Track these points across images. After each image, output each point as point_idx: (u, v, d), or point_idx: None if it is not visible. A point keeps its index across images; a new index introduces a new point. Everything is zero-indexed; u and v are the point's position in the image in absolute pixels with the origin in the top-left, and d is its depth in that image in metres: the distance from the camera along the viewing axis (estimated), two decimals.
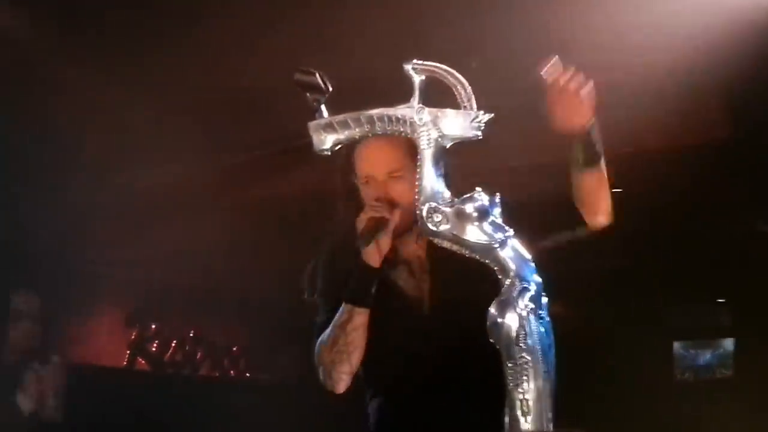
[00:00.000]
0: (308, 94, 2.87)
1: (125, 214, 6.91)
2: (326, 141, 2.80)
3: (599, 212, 3.68)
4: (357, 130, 2.76)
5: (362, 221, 3.42)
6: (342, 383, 3.57)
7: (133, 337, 8.15)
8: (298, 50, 5.73)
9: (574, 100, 3.30)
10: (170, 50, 6.41)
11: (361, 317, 3.48)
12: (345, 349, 3.63)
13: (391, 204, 3.40)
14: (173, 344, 8.26)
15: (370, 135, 2.80)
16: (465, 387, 3.48)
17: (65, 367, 6.20)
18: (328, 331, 3.54)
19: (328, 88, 2.86)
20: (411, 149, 3.18)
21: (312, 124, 2.82)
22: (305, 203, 6.75)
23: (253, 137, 6.75)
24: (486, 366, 3.22)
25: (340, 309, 3.50)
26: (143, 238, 7.14)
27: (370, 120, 2.72)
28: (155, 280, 7.76)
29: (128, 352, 8.13)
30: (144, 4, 6.00)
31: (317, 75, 2.89)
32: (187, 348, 8.36)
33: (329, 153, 2.83)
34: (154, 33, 6.32)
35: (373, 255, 3.39)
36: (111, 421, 6.68)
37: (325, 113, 2.83)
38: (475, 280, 3.14)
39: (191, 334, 8.32)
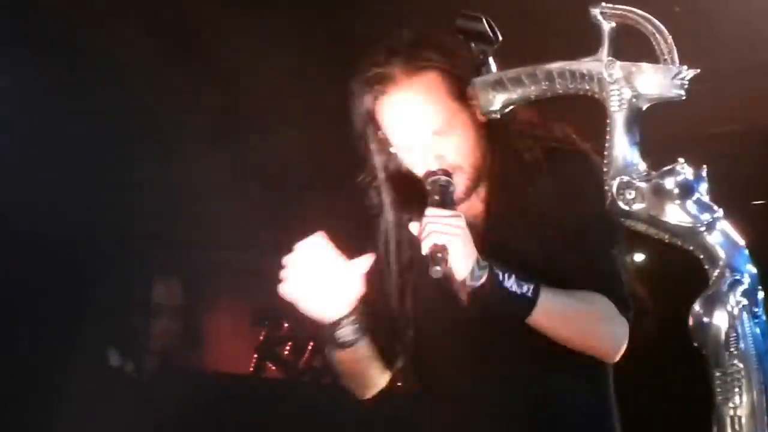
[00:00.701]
0: (473, 44, 2.89)
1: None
2: (495, 101, 2.75)
3: (590, 353, 3.49)
4: (533, 87, 2.71)
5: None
6: (364, 396, 3.97)
7: (261, 338, 8.27)
8: None
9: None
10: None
11: (343, 355, 3.65)
12: (348, 380, 3.90)
13: (448, 169, 3.41)
14: (310, 347, 8.31)
15: (548, 94, 2.78)
16: (508, 393, 3.54)
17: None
18: None
19: (497, 37, 2.87)
20: (451, 91, 3.39)
21: (478, 81, 2.79)
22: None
23: None
24: (534, 367, 3.51)
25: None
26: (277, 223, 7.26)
27: (549, 75, 2.66)
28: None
29: (255, 356, 8.26)
30: None
31: (484, 21, 2.90)
32: (324, 353, 8.36)
33: (498, 116, 2.81)
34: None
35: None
36: None
37: (494, 67, 2.83)
38: (538, 264, 3.39)
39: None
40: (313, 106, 6.90)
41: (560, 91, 2.65)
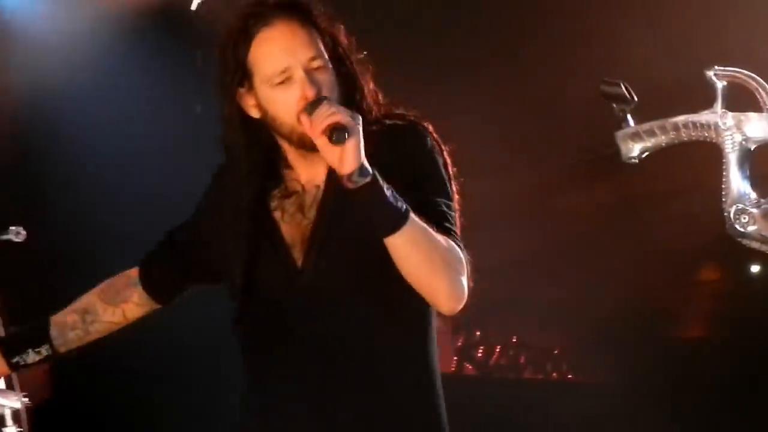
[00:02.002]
0: (614, 105, 2.87)
1: None
2: (633, 149, 2.78)
3: (433, 299, 2.91)
4: (663, 137, 2.73)
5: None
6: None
7: (459, 343, 8.22)
8: (602, 62, 5.74)
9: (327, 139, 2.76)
10: (493, 69, 6.54)
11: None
12: None
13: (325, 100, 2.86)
14: (497, 350, 8.28)
15: (675, 142, 2.76)
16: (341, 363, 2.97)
17: None
18: None
19: (633, 98, 2.84)
20: (321, 35, 2.95)
21: (619, 134, 2.81)
22: (613, 209, 6.73)
23: (565, 148, 6.76)
24: (365, 341, 2.97)
25: None
26: (467, 250, 7.19)
27: (676, 127, 2.70)
28: (479, 289, 7.61)
29: (455, 358, 8.19)
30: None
31: (622, 85, 2.88)
32: (510, 353, 8.37)
33: (637, 161, 2.82)
34: (483, 53, 6.45)
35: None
36: None
37: (632, 122, 2.82)
38: (367, 239, 2.85)
39: (513, 340, 8.34)
40: None
41: (684, 139, 2.68)
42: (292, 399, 2.98)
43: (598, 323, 7.37)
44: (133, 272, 3.28)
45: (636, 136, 2.79)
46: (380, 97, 3.08)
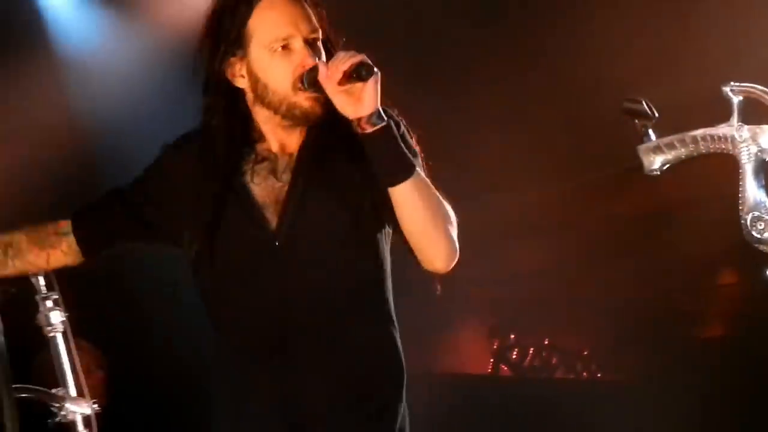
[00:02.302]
0: (636, 121, 2.89)
1: (485, 237, 7.00)
2: (655, 162, 2.80)
3: (432, 252, 2.86)
4: (682, 150, 2.75)
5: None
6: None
7: (495, 346, 8.19)
8: (624, 80, 5.76)
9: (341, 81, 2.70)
10: (516, 87, 6.55)
11: None
12: None
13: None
14: (531, 352, 8.26)
15: (694, 154, 2.78)
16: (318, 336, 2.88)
17: None
18: None
19: (654, 114, 2.86)
20: (318, 14, 2.90)
21: (641, 147, 2.83)
22: (638, 221, 6.73)
23: (592, 162, 6.78)
24: (342, 310, 2.89)
25: None
26: (500, 258, 7.25)
27: (695, 140, 2.72)
28: (513, 296, 7.78)
29: (492, 360, 8.18)
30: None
31: (644, 102, 2.90)
32: (543, 354, 8.35)
33: (658, 173, 2.84)
34: (511, 71, 6.48)
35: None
36: (476, 423, 6.76)
37: (653, 137, 2.84)
38: (345, 195, 2.84)
39: (546, 342, 8.33)
40: None
41: (703, 151, 2.71)
42: (259, 357, 2.90)
43: (625, 325, 7.37)
44: (63, 223, 3.15)
45: (657, 150, 2.81)
46: None
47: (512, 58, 6.75)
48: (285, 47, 2.83)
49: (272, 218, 2.87)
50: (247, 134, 2.95)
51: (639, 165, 2.85)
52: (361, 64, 2.66)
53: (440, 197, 2.84)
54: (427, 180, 2.82)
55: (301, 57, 2.81)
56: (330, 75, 2.70)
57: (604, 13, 6.33)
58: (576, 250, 7.28)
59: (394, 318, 3.02)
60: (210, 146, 2.95)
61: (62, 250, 3.16)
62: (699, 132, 2.70)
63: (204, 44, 2.94)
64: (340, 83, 2.69)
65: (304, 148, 2.91)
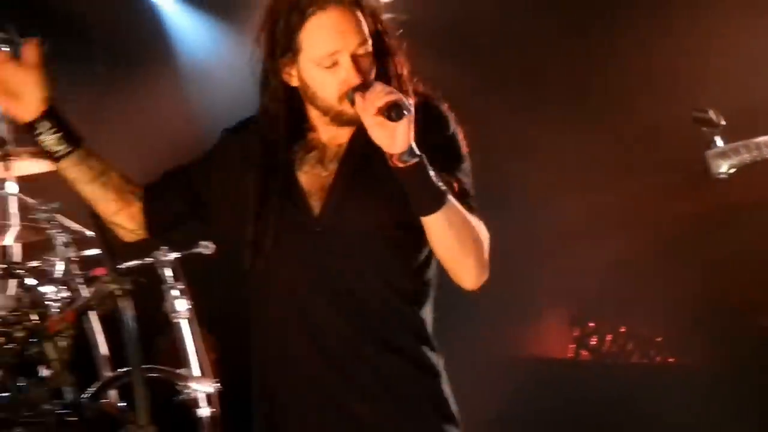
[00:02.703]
0: (704, 129, 2.92)
1: (567, 233, 7.04)
2: (722, 166, 2.84)
3: (461, 275, 2.75)
4: (747, 155, 2.80)
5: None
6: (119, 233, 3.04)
7: (576, 334, 8.11)
8: (693, 90, 5.77)
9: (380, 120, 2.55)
10: (594, 94, 6.57)
11: (62, 171, 2.92)
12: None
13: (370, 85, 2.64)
14: (608, 338, 8.18)
15: (758, 159, 2.81)
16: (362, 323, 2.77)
17: None
18: None
19: (720, 123, 2.91)
20: (369, 21, 2.74)
21: (709, 153, 2.88)
22: (707, 218, 6.71)
23: (664, 165, 6.76)
24: (385, 294, 2.77)
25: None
26: (580, 253, 7.31)
27: (758, 146, 2.76)
28: (592, 287, 7.72)
29: (573, 346, 8.11)
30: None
31: (710, 112, 2.94)
32: (620, 341, 8.27)
33: (725, 176, 2.87)
34: (583, 75, 6.50)
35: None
36: (558, 403, 6.71)
37: (720, 143, 2.87)
38: (389, 194, 2.68)
39: (622, 330, 8.25)
40: None
41: (766, 156, 2.72)
42: (302, 343, 2.79)
43: (696, 314, 7.31)
44: (140, 188, 3.03)
45: (723, 155, 2.86)
46: (410, 74, 2.86)
47: (590, 65, 6.77)
48: (332, 64, 2.71)
49: (316, 205, 2.78)
50: (300, 124, 2.86)
51: (707, 169, 2.88)
52: (393, 106, 2.52)
53: (471, 222, 2.69)
54: (458, 207, 2.66)
55: (346, 74, 2.68)
56: (365, 107, 2.57)
57: (680, 22, 6.33)
58: (649, 246, 7.26)
59: (429, 318, 2.90)
60: (263, 134, 2.85)
61: (131, 212, 2.99)
62: (762, 138, 2.74)
63: (261, 40, 2.82)
64: (376, 115, 2.55)
65: (353, 141, 2.80)
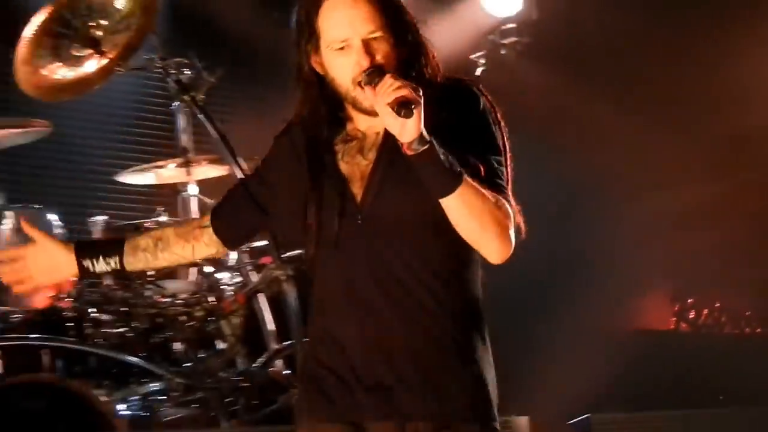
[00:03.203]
0: None
1: (668, 222, 7.13)
2: None
3: (483, 250, 2.57)
4: None
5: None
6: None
7: (676, 308, 8.21)
8: None
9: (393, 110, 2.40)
10: (692, 102, 6.64)
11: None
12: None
13: (381, 70, 2.51)
14: (705, 312, 8.26)
15: None
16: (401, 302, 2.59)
17: None
18: None
19: None
20: (383, 13, 2.59)
21: None
22: None
23: (751, 163, 6.81)
24: (420, 280, 2.59)
25: None
26: (680, 239, 7.38)
27: None
28: (691, 267, 7.79)
29: (674, 318, 8.21)
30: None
31: None
32: (714, 314, 8.35)
33: None
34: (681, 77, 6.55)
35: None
36: (661, 368, 6.68)
37: None
38: (421, 184, 2.51)
39: (716, 305, 8.34)
40: None
41: None
42: (348, 321, 2.63)
43: None
44: (206, 218, 2.89)
45: None
46: (439, 63, 2.69)
47: (686, 68, 6.84)
48: (344, 47, 2.57)
49: (358, 193, 2.62)
50: (338, 116, 2.70)
51: None
52: (401, 103, 2.39)
53: (490, 201, 2.52)
54: (476, 187, 2.50)
55: (357, 57, 2.54)
56: (377, 98, 2.45)
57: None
58: (740, 232, 7.34)
59: (476, 294, 2.70)
60: (305, 130, 2.71)
61: (204, 242, 2.86)
62: None
63: (293, 36, 2.68)
64: (385, 107, 2.42)
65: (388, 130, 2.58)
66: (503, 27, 6.63)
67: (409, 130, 2.40)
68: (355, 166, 2.64)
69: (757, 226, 7.37)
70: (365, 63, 2.52)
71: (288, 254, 4.93)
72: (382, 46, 2.56)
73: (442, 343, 2.60)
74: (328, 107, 2.66)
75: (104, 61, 4.78)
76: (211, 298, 5.13)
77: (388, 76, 2.45)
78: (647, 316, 8.03)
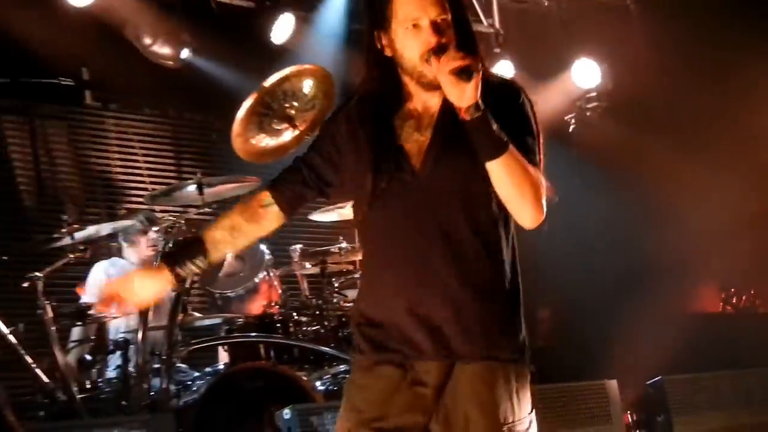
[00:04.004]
0: None
1: (715, 232, 7.46)
2: None
3: (520, 214, 2.53)
4: None
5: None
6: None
7: (723, 295, 8.32)
8: None
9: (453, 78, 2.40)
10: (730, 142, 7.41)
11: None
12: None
13: (446, 47, 2.50)
14: (744, 298, 8.40)
15: None
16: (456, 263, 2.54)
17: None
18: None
19: None
20: (450, 5, 2.57)
21: None
22: None
23: None
24: (475, 247, 2.56)
25: None
26: (725, 243, 7.63)
27: None
28: (733, 267, 7.89)
29: (721, 303, 8.31)
30: None
31: None
32: (751, 299, 8.43)
33: None
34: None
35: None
36: (710, 344, 6.50)
37: None
38: (472, 158, 2.50)
39: (752, 292, 8.50)
40: None
41: None
42: (399, 271, 2.57)
43: None
44: (263, 195, 2.81)
45: None
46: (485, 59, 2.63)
47: (723, 120, 7.38)
48: (415, 26, 2.54)
49: (416, 164, 2.58)
50: (399, 95, 2.66)
51: None
52: (462, 70, 2.39)
53: (530, 170, 2.50)
54: (519, 157, 2.48)
55: (426, 35, 2.52)
56: (440, 69, 2.43)
57: None
58: None
59: (512, 259, 2.62)
60: (368, 107, 2.66)
61: (269, 219, 2.79)
62: None
63: (364, 21, 2.68)
64: (448, 75, 2.40)
65: (443, 109, 2.59)
66: (588, 95, 7.51)
67: (468, 95, 2.41)
68: (412, 142, 2.61)
69: None
70: (433, 41, 2.54)
71: None
72: (447, 28, 2.56)
73: (487, 292, 2.56)
74: (391, 85, 2.64)
75: (297, 132, 5.08)
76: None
77: (451, 47, 2.49)
78: (701, 302, 8.24)
